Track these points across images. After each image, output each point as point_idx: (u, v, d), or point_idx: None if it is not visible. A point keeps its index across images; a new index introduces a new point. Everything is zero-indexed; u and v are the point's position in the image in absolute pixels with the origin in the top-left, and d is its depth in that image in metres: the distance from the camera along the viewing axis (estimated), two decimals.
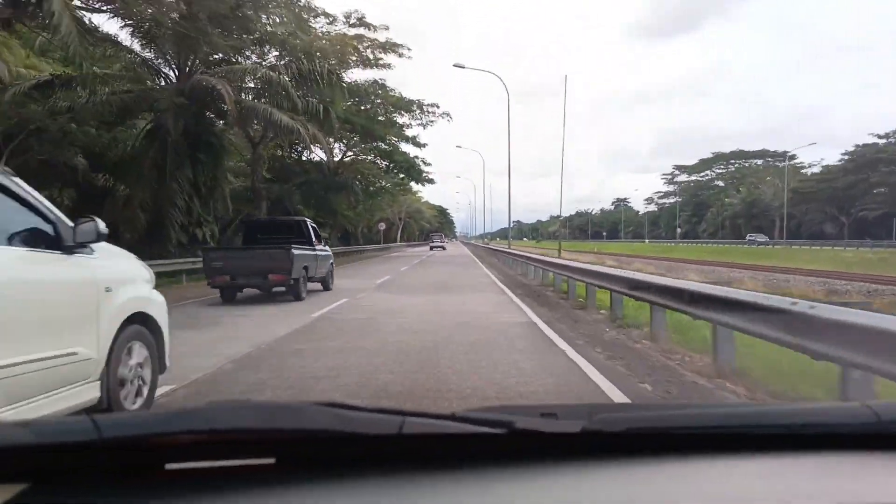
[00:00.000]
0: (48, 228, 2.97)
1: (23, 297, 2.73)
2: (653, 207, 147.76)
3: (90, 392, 3.12)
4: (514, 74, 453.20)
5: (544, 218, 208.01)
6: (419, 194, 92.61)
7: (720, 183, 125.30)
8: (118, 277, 3.43)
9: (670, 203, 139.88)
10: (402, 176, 38.67)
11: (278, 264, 9.87)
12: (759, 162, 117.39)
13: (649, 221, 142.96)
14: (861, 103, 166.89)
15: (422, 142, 37.38)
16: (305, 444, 0.82)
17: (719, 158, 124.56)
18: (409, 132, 36.00)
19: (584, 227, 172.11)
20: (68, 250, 3.04)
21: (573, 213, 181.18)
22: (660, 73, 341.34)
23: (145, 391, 3.63)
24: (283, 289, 10.91)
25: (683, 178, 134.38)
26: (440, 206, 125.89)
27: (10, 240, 2.79)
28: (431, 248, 53.87)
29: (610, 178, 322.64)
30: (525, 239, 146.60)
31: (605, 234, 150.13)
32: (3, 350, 2.51)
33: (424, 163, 38.04)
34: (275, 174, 30.86)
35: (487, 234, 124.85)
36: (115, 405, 3.24)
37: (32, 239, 2.90)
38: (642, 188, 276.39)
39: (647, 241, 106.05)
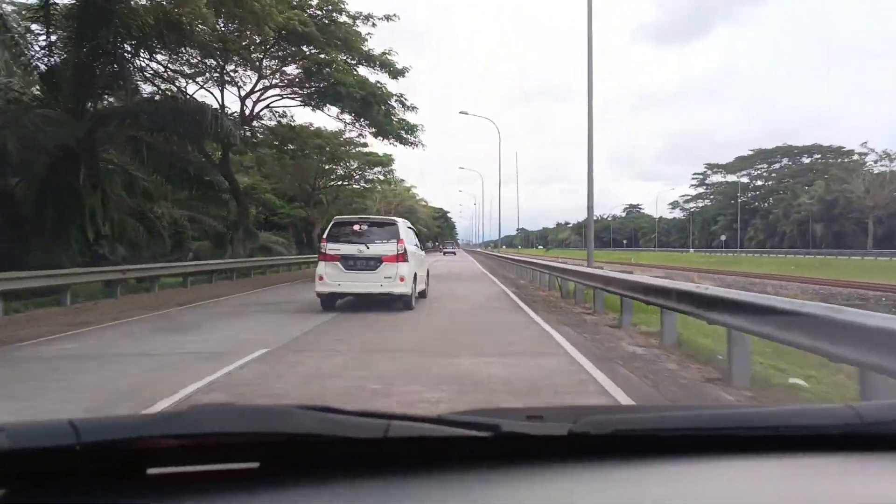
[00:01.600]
0: (419, 243, 12.12)
1: (420, 259, 11.74)
2: (677, 213, 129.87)
3: (423, 286, 11.71)
4: (517, 76, 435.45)
5: (549, 225, 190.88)
6: (413, 191, 75.40)
7: (759, 183, 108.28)
8: (426, 257, 13.38)
9: (702, 207, 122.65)
10: (349, 119, 21.35)
11: None
12: (807, 160, 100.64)
13: (676, 228, 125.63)
14: (873, 110, 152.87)
15: (398, 64, 20.31)
16: (290, 448, 0.80)
17: (760, 156, 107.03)
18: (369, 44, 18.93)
19: (600, 235, 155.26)
20: (423, 249, 12.92)
21: (582, 219, 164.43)
22: (666, 78, 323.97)
23: (427, 290, 12.32)
24: None
25: (717, 178, 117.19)
26: (440, 209, 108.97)
27: (416, 245, 11.61)
28: (444, 254, 61.13)
29: (615, 184, 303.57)
30: (540, 247, 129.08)
31: (625, 241, 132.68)
32: (418, 270, 11.09)
33: (404, 104, 20.88)
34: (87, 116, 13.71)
35: (490, 241, 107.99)
36: (428, 291, 12.41)
37: (420, 245, 12.25)
38: (648, 195, 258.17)
39: (691, 250, 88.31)
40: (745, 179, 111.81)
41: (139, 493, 0.75)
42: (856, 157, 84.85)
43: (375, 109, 18.91)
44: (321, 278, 10.08)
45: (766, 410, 1.15)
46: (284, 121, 22.44)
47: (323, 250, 10.20)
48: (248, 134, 22.04)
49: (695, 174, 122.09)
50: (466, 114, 38.41)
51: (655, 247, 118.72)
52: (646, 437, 0.90)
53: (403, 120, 20.79)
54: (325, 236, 10.40)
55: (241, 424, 0.80)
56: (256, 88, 21.05)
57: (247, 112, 21.63)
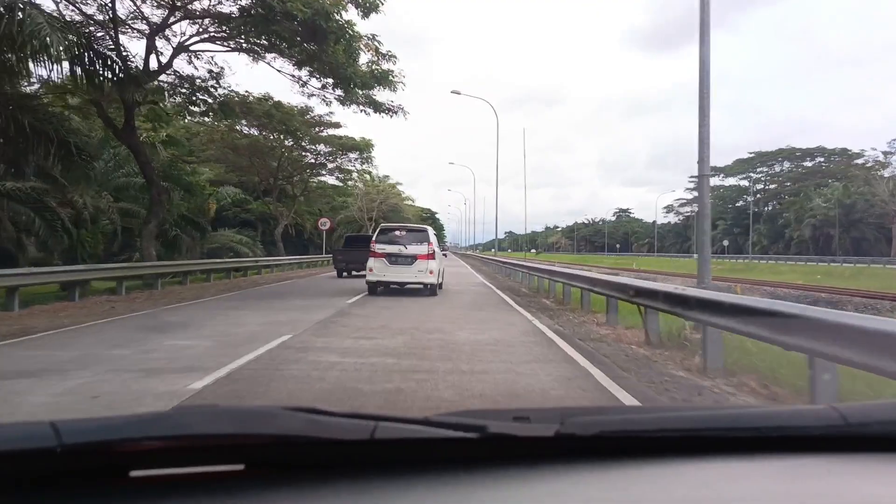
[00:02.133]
0: (439, 248, 15.05)
1: (440, 258, 14.66)
2: (671, 218, 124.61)
3: (441, 279, 14.40)
4: (509, 80, 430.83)
5: (538, 228, 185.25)
6: (399, 188, 69.03)
7: (760, 186, 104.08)
8: (442, 257, 16.47)
9: (697, 211, 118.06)
10: (293, 69, 15.04)
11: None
12: (810, 163, 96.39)
13: (672, 233, 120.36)
14: (858, 117, 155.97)
15: None
16: (276, 450, 0.79)
17: (760, 158, 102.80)
18: None
19: (591, 238, 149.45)
20: (442, 251, 18.03)
21: (571, 223, 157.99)
22: (657, 84, 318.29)
23: (443, 282, 15.16)
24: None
25: (715, 182, 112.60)
26: (428, 209, 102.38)
27: (437, 247, 14.46)
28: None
29: (603, 189, 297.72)
30: (533, 251, 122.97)
31: (618, 246, 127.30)
32: (440, 267, 14.23)
33: (378, 49, 14.67)
34: None
35: (478, 244, 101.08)
36: (442, 284, 15.19)
37: (440, 249, 15.36)
38: (635, 201, 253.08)
39: (696, 256, 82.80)
40: (744, 182, 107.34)
41: (122, 496, 0.73)
42: (862, 160, 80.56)
43: (331, 43, 12.66)
44: (371, 270, 13.21)
45: (750, 412, 1.12)
46: (212, 69, 16.02)
47: (372, 249, 13.29)
48: (159, 87, 15.65)
49: (691, 177, 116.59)
50: (459, 94, 32.35)
51: (652, 251, 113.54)
52: (631, 438, 0.89)
53: (374, 64, 14.57)
54: (374, 239, 13.53)
55: (225, 426, 0.78)
56: (169, 21, 14.71)
57: (163, 59, 15.30)
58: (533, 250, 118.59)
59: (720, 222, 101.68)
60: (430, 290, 13.28)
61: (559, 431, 0.84)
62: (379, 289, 13.36)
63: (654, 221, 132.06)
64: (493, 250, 46.99)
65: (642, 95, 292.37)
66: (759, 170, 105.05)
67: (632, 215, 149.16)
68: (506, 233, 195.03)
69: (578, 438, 0.85)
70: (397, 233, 13.42)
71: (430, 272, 12.97)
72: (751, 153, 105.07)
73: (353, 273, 20.48)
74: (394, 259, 12.98)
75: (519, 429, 0.84)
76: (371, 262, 13.13)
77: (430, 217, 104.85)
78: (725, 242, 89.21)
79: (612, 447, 0.87)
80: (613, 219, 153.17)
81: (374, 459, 0.81)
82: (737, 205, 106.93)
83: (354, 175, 35.72)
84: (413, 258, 12.97)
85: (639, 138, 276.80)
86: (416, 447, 0.81)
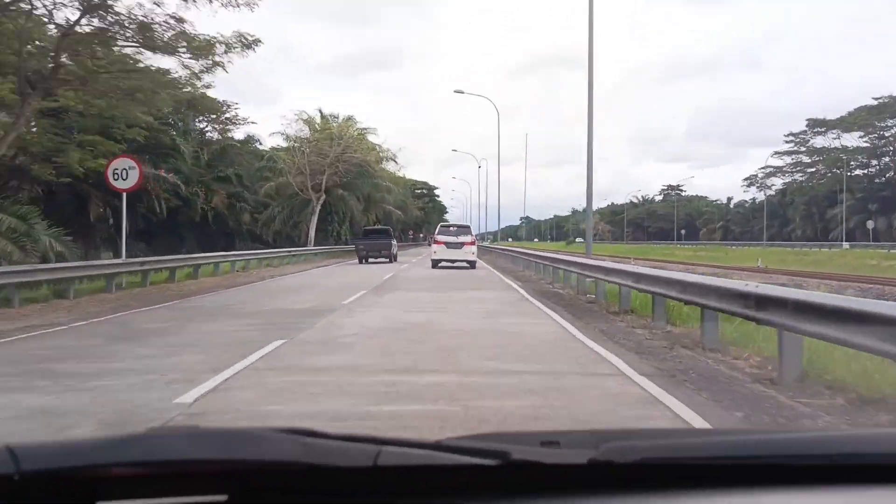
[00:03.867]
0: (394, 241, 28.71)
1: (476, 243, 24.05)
2: (751, 193, 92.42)
3: (475, 258, 22.71)
4: (520, 40, 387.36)
5: (561, 213, 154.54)
6: (370, 138, 41.04)
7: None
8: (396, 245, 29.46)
9: (787, 184, 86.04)
10: None
11: (385, 247, 26.15)
12: None
13: (769, 213, 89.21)
14: None
15: None
16: (264, 478, 0.72)
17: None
18: None
19: (640, 221, 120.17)
20: (395, 239, 30.00)
21: (607, 205, 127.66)
22: (700, 42, 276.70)
23: (396, 258, 27.50)
24: (385, 259, 26.44)
25: (824, 141, 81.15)
26: (424, 183, 74.39)
27: (391, 240, 28.33)
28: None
29: (634, 168, 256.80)
30: (580, 239, 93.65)
31: (683, 232, 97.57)
32: (476, 249, 23.49)
33: None
34: None
35: (488, 233, 72.32)
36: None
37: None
38: (672, 179, 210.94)
39: (846, 244, 53.27)
40: (864, 143, 76.89)
41: None
42: None
43: None
44: (435, 252, 21.32)
45: (819, 436, 1.02)
46: None
47: (435, 239, 21.84)
48: None
49: (789, 136, 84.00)
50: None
51: (727, 239, 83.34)
52: (679, 466, 0.80)
53: None
54: (436, 232, 22.36)
55: (206, 450, 0.71)
56: None
57: None
58: (579, 239, 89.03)
59: (844, 196, 72.23)
60: (471, 265, 21.08)
61: (594, 458, 0.75)
62: (440, 264, 20.93)
63: (728, 199, 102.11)
64: (509, 239, 36.96)
65: (682, 56, 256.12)
66: (888, 123, 74.06)
67: (683, 193, 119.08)
68: (521, 219, 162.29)
69: (616, 466, 0.75)
70: (452, 228, 22.43)
71: (472, 253, 21.28)
72: (877, 98, 73.21)
73: (370, 260, 26.17)
74: (450, 245, 21.03)
75: (546, 455, 0.76)
76: (435, 248, 21.50)
77: (427, 194, 77.63)
78: (870, 224, 60.03)
79: (656, 477, 0.77)
80: (661, 197, 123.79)
81: (376, 487, 0.72)
82: (856, 172, 76.80)
83: (218, 50, 8.42)
84: (462, 244, 21.03)
85: (677, 107, 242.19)
86: (426, 475, 0.73)
